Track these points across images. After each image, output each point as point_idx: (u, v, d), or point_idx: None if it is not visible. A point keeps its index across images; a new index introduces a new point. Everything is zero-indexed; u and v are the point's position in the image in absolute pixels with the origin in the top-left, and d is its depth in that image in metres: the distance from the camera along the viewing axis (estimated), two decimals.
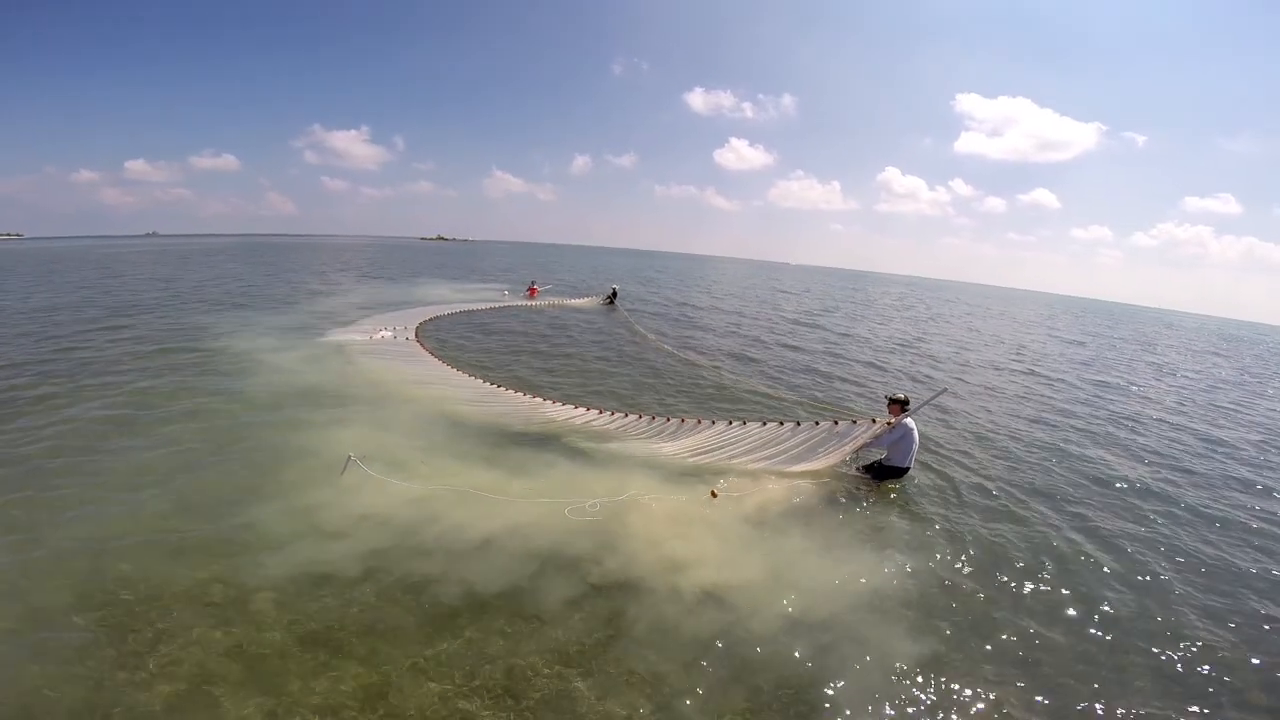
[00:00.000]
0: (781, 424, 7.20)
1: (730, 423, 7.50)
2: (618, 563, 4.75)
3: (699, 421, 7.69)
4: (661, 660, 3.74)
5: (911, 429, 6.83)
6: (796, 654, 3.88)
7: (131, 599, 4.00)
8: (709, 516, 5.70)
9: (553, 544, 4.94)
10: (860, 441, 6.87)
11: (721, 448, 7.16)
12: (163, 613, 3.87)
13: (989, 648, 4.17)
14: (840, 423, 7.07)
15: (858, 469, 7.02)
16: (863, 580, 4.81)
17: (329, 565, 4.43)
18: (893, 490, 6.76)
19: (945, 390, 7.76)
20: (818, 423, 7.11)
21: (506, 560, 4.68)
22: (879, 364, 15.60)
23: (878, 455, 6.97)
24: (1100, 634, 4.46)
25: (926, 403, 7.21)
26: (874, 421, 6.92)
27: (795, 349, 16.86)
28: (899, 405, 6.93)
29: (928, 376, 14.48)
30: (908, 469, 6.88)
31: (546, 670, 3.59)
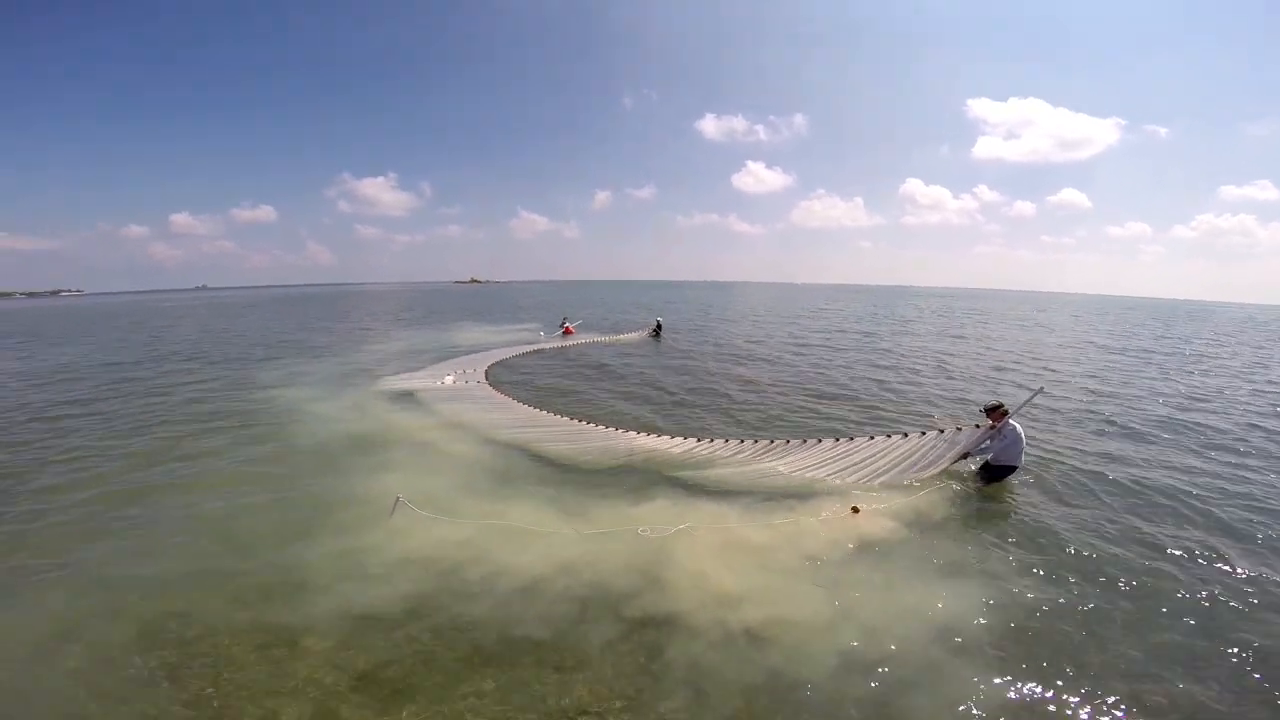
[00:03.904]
0: (889, 436, 7.24)
1: (837, 440, 7.54)
2: (665, 597, 4.57)
3: (804, 441, 7.76)
4: (715, 701, 3.58)
5: (1018, 431, 6.88)
6: (859, 693, 3.59)
7: (189, 639, 4.11)
8: (791, 545, 5.39)
9: (602, 579, 4.81)
10: (966, 448, 6.93)
11: (823, 465, 7.21)
12: (220, 652, 3.96)
13: (1089, 693, 3.62)
14: (945, 430, 7.12)
15: (967, 473, 7.05)
16: (941, 610, 4.39)
17: (378, 607, 4.45)
18: (993, 500, 6.61)
19: (1041, 390, 7.74)
20: (924, 433, 7.16)
21: (557, 597, 4.60)
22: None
23: (985, 458, 6.99)
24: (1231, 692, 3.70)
25: (1026, 403, 7.23)
26: (977, 427, 7.00)
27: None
28: (997, 412, 6.95)
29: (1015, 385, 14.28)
30: (1017, 467, 6.95)
31: (595, 708, 3.51)
